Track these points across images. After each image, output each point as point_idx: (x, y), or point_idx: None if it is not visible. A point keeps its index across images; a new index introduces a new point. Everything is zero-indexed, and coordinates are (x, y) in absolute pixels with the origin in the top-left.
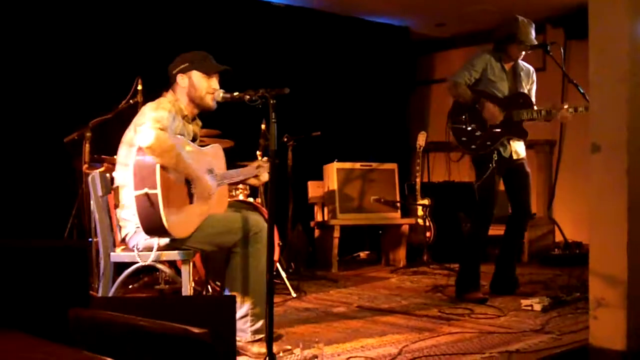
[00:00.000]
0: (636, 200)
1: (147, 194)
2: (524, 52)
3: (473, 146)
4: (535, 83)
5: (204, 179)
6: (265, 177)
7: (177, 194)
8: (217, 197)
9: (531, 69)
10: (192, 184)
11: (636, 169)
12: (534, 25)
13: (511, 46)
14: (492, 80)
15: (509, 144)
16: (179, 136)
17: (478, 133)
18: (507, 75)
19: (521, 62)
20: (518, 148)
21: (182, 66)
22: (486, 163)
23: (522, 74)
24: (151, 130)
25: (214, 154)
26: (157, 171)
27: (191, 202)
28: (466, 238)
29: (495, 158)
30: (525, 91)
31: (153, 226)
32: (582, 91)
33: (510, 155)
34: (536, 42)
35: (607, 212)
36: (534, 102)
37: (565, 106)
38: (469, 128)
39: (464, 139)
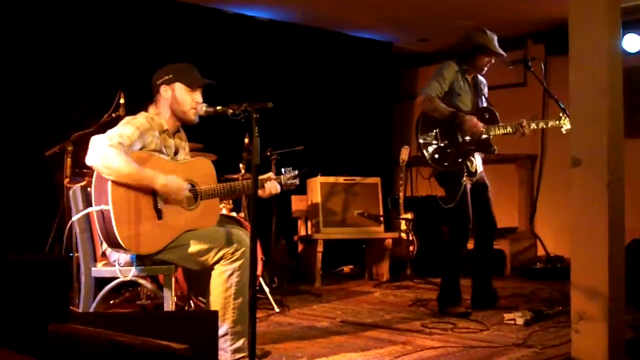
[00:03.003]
0: (616, 214)
1: (101, 211)
2: (490, 63)
3: (446, 163)
4: (487, 94)
5: (173, 193)
6: (272, 188)
7: (138, 210)
8: (203, 211)
9: (484, 80)
10: (157, 199)
11: (616, 182)
12: (496, 37)
13: (480, 57)
14: (459, 93)
15: (474, 158)
16: (154, 152)
17: (450, 150)
18: (470, 88)
19: (478, 75)
20: (478, 162)
21: (166, 77)
22: (458, 179)
23: (481, 86)
24: (99, 147)
25: (199, 167)
26: (109, 188)
27: (160, 218)
28: (446, 253)
29: (466, 173)
30: (484, 104)
31: (112, 242)
32: (562, 106)
33: (476, 169)
34: (502, 52)
35: (588, 225)
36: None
37: (524, 122)
38: (441, 144)
39: (436, 155)
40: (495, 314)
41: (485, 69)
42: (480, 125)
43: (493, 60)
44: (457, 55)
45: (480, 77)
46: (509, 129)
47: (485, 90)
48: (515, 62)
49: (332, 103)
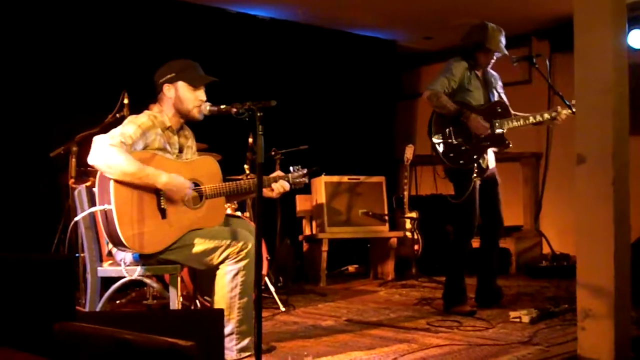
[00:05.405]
0: (622, 211)
1: (104, 210)
2: (492, 60)
3: (461, 161)
4: (502, 88)
5: (177, 191)
6: (281, 187)
7: (140, 209)
8: (208, 210)
9: (496, 74)
10: (161, 198)
11: (621, 179)
12: (503, 32)
13: (479, 54)
14: (469, 89)
15: (487, 155)
16: (157, 151)
17: (464, 147)
18: (480, 83)
19: (489, 70)
20: (490, 158)
21: (169, 76)
22: (468, 176)
23: (492, 80)
24: (101, 146)
25: (204, 166)
26: (111, 187)
27: (164, 217)
28: (450, 251)
29: (476, 170)
30: (497, 98)
31: (115, 241)
32: (567, 103)
33: (487, 166)
34: (505, 51)
35: (594, 223)
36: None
37: (558, 107)
38: (455, 142)
39: (451, 154)
40: (501, 313)
41: (490, 63)
42: (484, 126)
43: (495, 57)
44: (460, 51)
45: (492, 71)
46: (516, 122)
47: (500, 83)
48: (520, 59)
49: (336, 102)
